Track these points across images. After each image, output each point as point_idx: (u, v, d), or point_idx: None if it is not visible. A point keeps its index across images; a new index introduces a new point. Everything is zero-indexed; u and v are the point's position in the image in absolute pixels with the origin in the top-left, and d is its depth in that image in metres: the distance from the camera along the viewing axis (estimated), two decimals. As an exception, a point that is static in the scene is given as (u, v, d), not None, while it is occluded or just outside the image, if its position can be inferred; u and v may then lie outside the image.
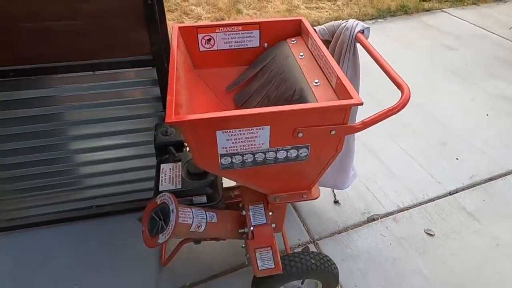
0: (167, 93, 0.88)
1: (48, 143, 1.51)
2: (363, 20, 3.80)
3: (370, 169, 2.11)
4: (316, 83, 1.02)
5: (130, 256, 1.66)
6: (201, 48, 1.26)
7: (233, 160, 0.95)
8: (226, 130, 0.86)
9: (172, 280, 1.58)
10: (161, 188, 1.20)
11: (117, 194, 1.76)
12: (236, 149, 0.91)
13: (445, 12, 4.10)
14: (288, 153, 0.96)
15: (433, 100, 2.68)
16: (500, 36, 3.60)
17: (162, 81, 1.42)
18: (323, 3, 4.26)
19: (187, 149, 1.45)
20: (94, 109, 1.46)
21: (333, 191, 1.96)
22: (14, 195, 1.64)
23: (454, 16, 4.01)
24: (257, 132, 0.88)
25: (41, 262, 1.63)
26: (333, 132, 0.91)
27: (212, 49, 1.27)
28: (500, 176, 2.10)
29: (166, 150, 1.36)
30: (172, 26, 1.20)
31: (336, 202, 1.94)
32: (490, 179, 2.08)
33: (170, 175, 1.25)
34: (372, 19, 3.93)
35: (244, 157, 0.94)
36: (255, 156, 0.95)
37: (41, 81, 1.32)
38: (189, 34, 1.22)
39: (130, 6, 1.17)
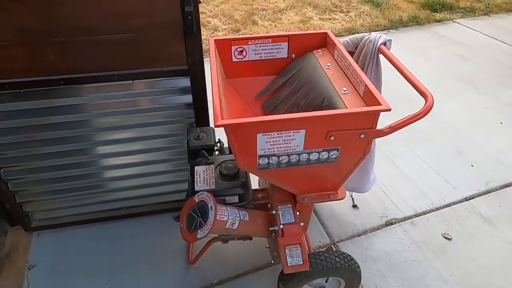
0: (213, 99, 0.98)
1: (84, 147, 1.62)
2: (375, 31, 3.90)
3: (386, 175, 2.18)
4: (344, 91, 1.11)
5: (158, 255, 1.75)
6: (234, 59, 1.36)
7: (270, 161, 1.03)
8: (266, 133, 0.95)
9: (199, 278, 1.66)
10: (196, 188, 1.29)
11: (146, 196, 1.85)
12: (273, 151, 1.00)
13: (457, 22, 4.17)
14: (320, 155, 1.04)
15: (446, 108, 2.74)
16: (512, 46, 3.66)
17: (195, 89, 1.52)
18: (336, 14, 4.38)
19: (217, 152, 1.54)
20: (129, 115, 1.56)
21: (351, 196, 2.03)
22: (49, 196, 1.74)
23: (466, 26, 4.08)
24: (293, 135, 0.97)
25: (75, 259, 1.72)
26: (362, 136, 1.00)
27: (243, 60, 1.37)
28: (515, 182, 2.15)
29: (198, 154, 1.45)
30: (209, 39, 1.30)
31: (354, 206, 2.01)
32: (506, 186, 2.13)
33: (204, 176, 1.34)
34: (384, 29, 4.03)
35: (280, 158, 1.03)
36: (290, 158, 1.03)
37: (86, 89, 1.43)
38: (223, 46, 1.32)
39: (172, 21, 1.28)
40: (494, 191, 2.10)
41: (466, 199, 2.05)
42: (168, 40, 1.33)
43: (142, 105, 1.55)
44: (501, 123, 2.63)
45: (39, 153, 1.56)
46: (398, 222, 1.93)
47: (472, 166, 2.27)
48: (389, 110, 0.93)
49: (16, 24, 1.22)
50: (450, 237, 1.85)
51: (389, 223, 1.92)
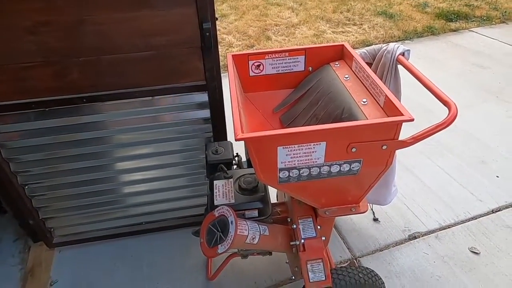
0: (233, 113, 0.98)
1: (104, 163, 1.65)
2: (390, 42, 3.88)
3: (407, 187, 2.12)
4: (364, 102, 1.10)
5: (178, 270, 1.74)
6: (251, 73, 1.38)
7: (290, 174, 1.02)
8: (287, 146, 0.95)
9: (219, 294, 1.64)
10: (216, 203, 1.29)
11: (165, 210, 1.86)
12: (294, 164, 0.99)
13: (473, 31, 4.12)
14: (341, 167, 1.03)
15: (467, 118, 2.68)
16: (532, 53, 3.57)
17: (212, 104, 1.54)
18: (349, 28, 4.40)
19: (235, 166, 1.55)
20: (148, 131, 1.59)
21: (372, 209, 1.98)
22: (70, 212, 1.77)
23: (483, 35, 4.02)
24: (314, 148, 0.96)
25: (96, 275, 1.73)
26: (384, 147, 0.98)
27: (261, 74, 1.38)
28: (545, 194, 2.06)
29: (217, 168, 1.46)
30: (227, 54, 1.32)
31: (375, 219, 1.96)
32: (534, 197, 2.04)
33: (223, 190, 1.34)
34: (399, 40, 4.01)
35: (301, 171, 1.02)
36: (311, 170, 1.02)
37: (107, 107, 1.47)
38: (241, 61, 1.34)
39: (191, 37, 1.31)
40: (522, 202, 2.02)
41: (493, 212, 1.97)
42: (187, 56, 1.36)
43: (161, 120, 1.58)
44: (526, 132, 2.55)
45: (62, 170, 1.60)
46: (422, 236, 1.86)
47: (497, 177, 2.19)
48: (412, 120, 0.92)
49: (43, 46, 1.27)
50: (478, 252, 1.77)
51: (412, 237, 1.86)
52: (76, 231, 1.86)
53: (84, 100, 1.39)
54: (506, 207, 2.00)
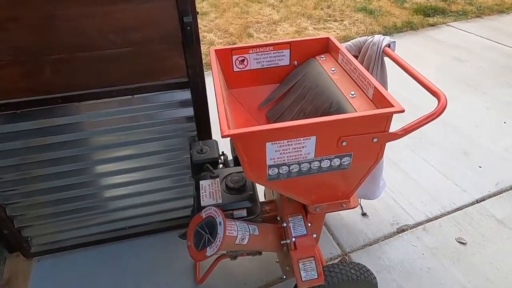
0: (218, 109, 0.94)
1: (83, 167, 1.57)
2: (371, 38, 3.91)
3: (394, 181, 2.13)
4: (352, 95, 1.07)
5: (164, 275, 1.68)
6: (235, 69, 1.33)
7: (280, 171, 0.99)
8: (275, 142, 0.91)
9: (209, 298, 1.59)
10: (203, 204, 1.24)
11: (149, 214, 1.79)
12: (283, 160, 0.96)
13: (450, 26, 4.20)
14: (331, 162, 1.00)
15: (449, 110, 2.67)
16: (507, 46, 3.67)
17: (196, 102, 1.49)
18: (330, 24, 4.40)
19: (221, 166, 1.50)
20: (128, 132, 1.52)
21: (360, 204, 1.97)
22: (48, 220, 1.68)
23: (460, 29, 4.10)
24: (304, 143, 0.93)
25: (78, 284, 1.65)
26: (375, 140, 0.96)
27: (245, 69, 1.34)
28: (526, 182, 2.11)
29: (202, 168, 1.41)
30: (209, 49, 1.27)
31: (364, 214, 1.95)
32: (516, 186, 2.09)
33: (210, 190, 1.29)
34: (379, 36, 4.04)
35: (290, 167, 0.98)
36: (301, 166, 0.99)
37: (84, 107, 1.39)
38: (224, 56, 1.29)
39: (171, 32, 1.26)
40: (505, 191, 2.05)
41: (477, 202, 2.00)
42: (167, 52, 1.30)
43: (142, 120, 1.51)
44: (505, 122, 2.61)
45: (37, 175, 1.51)
46: (410, 229, 1.87)
47: (480, 167, 2.23)
48: (403, 111, 0.89)
49: (11, 43, 1.19)
50: (464, 242, 1.79)
51: (401, 230, 1.86)
52: (55, 239, 1.76)
53: (59, 100, 1.31)
54: (490, 196, 2.03)
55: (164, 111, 1.51)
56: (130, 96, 1.41)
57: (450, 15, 4.43)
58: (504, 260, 1.69)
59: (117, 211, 1.75)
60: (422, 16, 4.38)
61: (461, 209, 1.96)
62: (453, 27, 4.17)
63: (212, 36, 4.09)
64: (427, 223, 1.89)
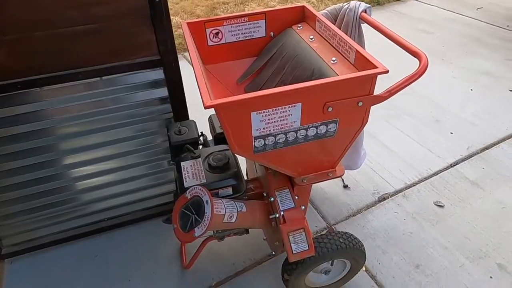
0: (198, 82, 0.88)
1: (50, 159, 1.46)
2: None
3: (372, 151, 2.16)
4: (333, 61, 1.05)
5: (150, 264, 1.63)
6: (210, 43, 1.27)
7: (266, 142, 0.96)
8: (261, 111, 0.87)
9: (197, 281, 1.56)
10: (186, 185, 1.19)
11: (128, 203, 1.72)
12: (269, 130, 0.93)
13: (415, 0, 4.28)
14: (318, 130, 0.98)
15: (419, 81, 2.77)
16: (468, 17, 3.79)
17: (170, 81, 1.42)
18: (298, 2, 4.36)
19: (201, 146, 1.45)
20: (98, 117, 1.43)
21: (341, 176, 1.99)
22: (20, 217, 1.57)
23: (424, 2, 4.19)
24: (289, 110, 0.90)
25: (60, 282, 1.57)
26: (360, 104, 0.94)
27: (220, 42, 1.28)
28: (494, 144, 2.21)
29: (182, 149, 1.35)
30: (181, 23, 1.20)
31: (345, 186, 1.98)
32: (485, 148, 2.18)
33: (192, 171, 1.24)
34: (347, 12, 4.05)
35: (277, 138, 0.95)
36: (287, 136, 0.96)
37: (47, 93, 1.29)
38: (197, 29, 1.23)
39: (138, 6, 1.17)
40: (475, 154, 2.14)
41: (451, 166, 2.08)
42: (135, 28, 1.22)
43: (112, 104, 1.42)
44: (471, 89, 2.70)
45: (1, 170, 1.40)
46: (391, 197, 1.91)
47: (451, 133, 2.30)
48: (387, 72, 0.88)
49: (-44, 23, 1.06)
50: (442, 204, 1.86)
51: (382, 199, 1.90)
52: (29, 237, 1.66)
53: (18, 86, 1.20)
54: (462, 160, 2.11)
55: (136, 92, 1.43)
56: (98, 78, 1.32)
57: (413, -11, 4.49)
58: (479, 218, 1.77)
59: (93, 203, 1.67)
60: (387, -9, 4.42)
61: (437, 174, 2.03)
62: (418, 1, 4.25)
63: (178, 19, 3.94)
64: (406, 190, 1.94)
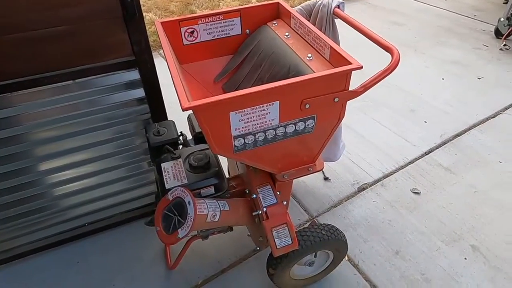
0: (174, 83, 0.88)
1: (25, 165, 1.42)
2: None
3: (350, 143, 2.21)
4: (309, 57, 1.06)
5: (134, 267, 1.61)
6: (185, 42, 1.26)
7: (246, 141, 0.96)
8: (239, 111, 0.88)
9: (183, 281, 1.56)
10: (167, 186, 1.18)
11: (109, 207, 1.69)
12: (249, 129, 0.93)
13: (387, -8, 4.36)
14: (296, 126, 0.99)
15: (393, 72, 2.84)
16: (439, 7, 3.90)
17: (146, 81, 1.40)
18: (273, -4, 4.35)
19: (181, 146, 1.44)
20: (74, 121, 1.39)
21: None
22: (-5, 227, 1.53)
23: (396, -6, 4.27)
24: (267, 109, 0.91)
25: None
26: (336, 99, 0.96)
27: (195, 41, 1.27)
28: (465, 131, 2.30)
29: (161, 150, 1.34)
30: (155, 22, 1.18)
31: (326, 178, 2.02)
32: (457, 135, 2.27)
33: (173, 172, 1.24)
34: (322, 5, 4.08)
35: (256, 136, 0.96)
36: (266, 134, 0.97)
37: (19, 98, 1.24)
38: (171, 28, 1.21)
39: (109, 6, 1.14)
40: (448, 141, 2.23)
41: (426, 154, 2.15)
42: (107, 28, 1.19)
43: (89, 107, 1.39)
44: (443, 79, 2.80)
45: (-27, 180, 1.35)
46: (370, 186, 1.97)
47: (425, 122, 2.38)
48: (361, 67, 0.90)
49: None
50: (418, 191, 1.93)
51: (361, 189, 1.96)
52: (7, 247, 1.61)
53: (-13, 92, 1.16)
54: (436, 147, 2.19)
55: (111, 94, 1.40)
56: (72, 81, 1.28)
57: (385, -19, 4.57)
58: (453, 203, 1.85)
59: (73, 209, 1.63)
60: (360, -17, 4.48)
61: (413, 162, 2.10)
62: (390, -8, 4.33)
63: (152, 16, 3.86)
64: (384, 179, 2.00)
